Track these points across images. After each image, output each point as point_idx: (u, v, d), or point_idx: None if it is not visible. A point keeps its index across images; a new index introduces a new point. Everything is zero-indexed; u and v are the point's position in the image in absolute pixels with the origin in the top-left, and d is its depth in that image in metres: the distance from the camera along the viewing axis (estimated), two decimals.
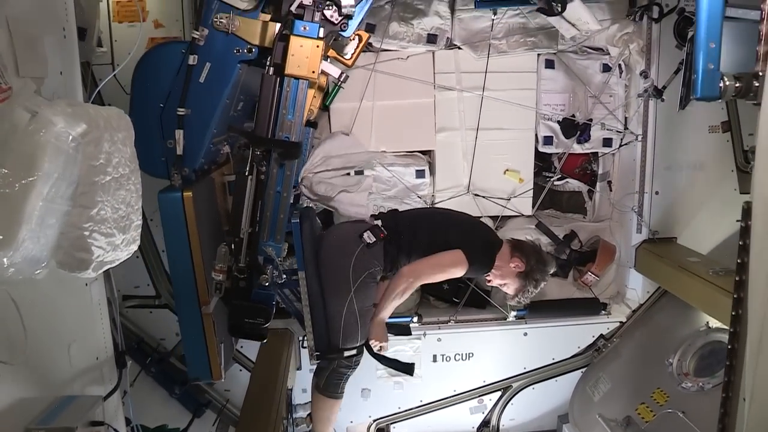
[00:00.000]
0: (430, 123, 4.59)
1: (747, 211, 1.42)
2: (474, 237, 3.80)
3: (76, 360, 2.31)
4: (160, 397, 4.40)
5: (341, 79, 3.67)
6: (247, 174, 3.13)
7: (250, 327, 3.30)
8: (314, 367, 4.58)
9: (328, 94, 4.17)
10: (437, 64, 4.53)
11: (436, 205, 4.67)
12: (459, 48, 4.54)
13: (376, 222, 3.75)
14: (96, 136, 1.97)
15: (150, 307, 4.48)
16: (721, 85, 1.53)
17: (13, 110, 1.61)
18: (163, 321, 4.50)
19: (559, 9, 3.63)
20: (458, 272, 3.69)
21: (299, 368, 4.65)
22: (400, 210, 4.13)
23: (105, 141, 2.03)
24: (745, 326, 1.43)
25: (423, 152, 4.73)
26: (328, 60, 3.47)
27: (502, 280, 3.82)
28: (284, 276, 3.43)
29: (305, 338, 3.71)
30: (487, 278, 3.84)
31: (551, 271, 3.95)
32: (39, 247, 1.77)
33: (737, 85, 1.52)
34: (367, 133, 4.52)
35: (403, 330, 4.09)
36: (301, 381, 4.66)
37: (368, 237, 3.60)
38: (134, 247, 2.33)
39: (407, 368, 3.84)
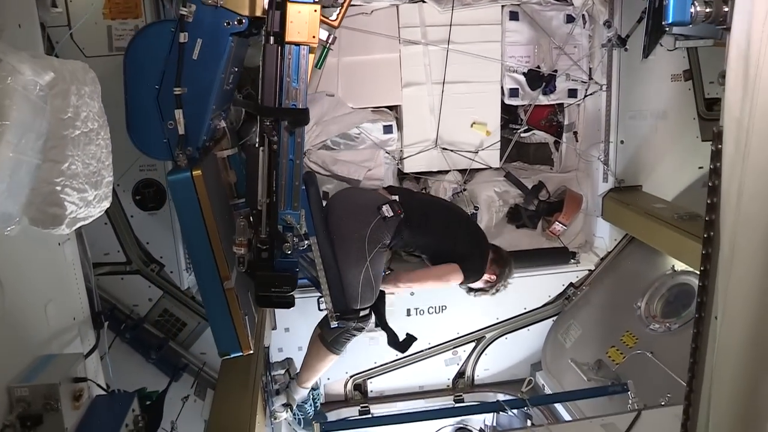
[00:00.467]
0: (396, 78, 4.57)
1: (718, 135, 1.46)
2: (476, 252, 3.93)
3: (53, 320, 2.28)
4: (137, 362, 4.37)
5: (329, 41, 3.63)
6: (258, 146, 3.09)
7: (278, 296, 3.31)
8: (289, 326, 4.67)
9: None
10: (402, 18, 4.50)
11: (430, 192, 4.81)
12: (423, 1, 4.50)
13: (394, 197, 3.81)
14: (63, 89, 1.93)
15: (121, 273, 4.41)
16: (692, 10, 1.56)
17: None
18: (135, 287, 4.44)
19: None
20: (453, 283, 3.92)
21: (274, 328, 4.68)
22: (414, 191, 4.29)
23: (72, 94, 1.99)
24: (717, 247, 1.48)
25: (390, 107, 4.73)
26: None
27: (473, 283, 4.04)
28: (306, 242, 3.42)
29: (321, 300, 3.74)
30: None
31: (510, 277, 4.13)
32: (11, 202, 1.74)
33: (707, 10, 1.55)
34: (334, 90, 4.48)
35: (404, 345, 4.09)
36: (276, 340, 4.70)
37: (387, 211, 3.67)
38: (106, 204, 2.30)
39: (403, 344, 4.00)
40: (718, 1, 1.52)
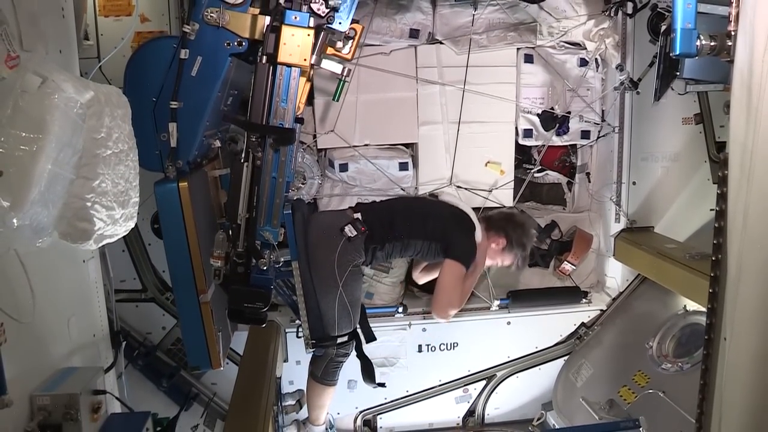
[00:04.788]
0: (413, 116, 4.66)
1: (724, 161, 1.52)
2: (455, 234, 3.79)
3: (75, 335, 2.35)
4: (148, 390, 4.39)
5: (345, 74, 3.71)
6: (243, 161, 3.17)
7: (250, 312, 3.33)
8: (301, 359, 4.68)
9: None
10: (419, 58, 4.62)
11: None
12: (441, 43, 4.62)
13: (356, 215, 3.77)
14: (98, 110, 2.03)
15: (136, 301, 4.49)
16: (698, 43, 1.64)
17: (25, 74, 1.66)
18: (149, 315, 4.51)
19: None
20: (467, 281, 3.78)
21: (286, 360, 4.69)
22: (376, 202, 4.15)
23: (106, 115, 2.10)
24: (725, 270, 1.53)
25: (406, 145, 4.81)
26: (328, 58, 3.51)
27: (493, 261, 3.95)
28: (281, 260, 3.48)
29: (300, 328, 3.77)
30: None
31: (533, 227, 4.05)
32: (45, 214, 1.82)
33: (712, 43, 1.63)
34: (351, 127, 4.59)
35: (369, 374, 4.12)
36: (287, 373, 4.71)
37: (350, 231, 3.63)
38: (131, 224, 2.39)
39: (372, 379, 4.03)
40: (722, 35, 1.60)
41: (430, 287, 4.80)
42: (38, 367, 2.07)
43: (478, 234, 3.84)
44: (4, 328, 1.80)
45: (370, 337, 4.07)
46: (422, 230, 3.77)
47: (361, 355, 4.00)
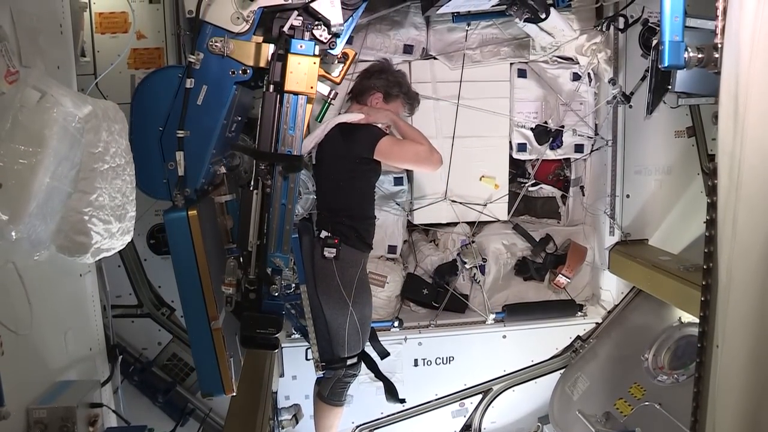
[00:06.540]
0: None
1: (714, 170, 1.55)
2: (349, 148, 3.74)
3: (72, 348, 2.35)
4: (144, 405, 4.38)
5: (331, 97, 3.74)
6: (252, 188, 3.19)
7: (262, 337, 3.32)
8: (297, 374, 4.68)
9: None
10: (413, 73, 4.65)
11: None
12: (434, 58, 4.67)
13: (321, 235, 3.73)
14: (95, 125, 2.06)
15: (132, 316, 4.47)
16: (686, 55, 1.67)
17: (24, 89, 1.68)
18: (145, 330, 4.49)
19: (544, 16, 3.83)
20: (396, 139, 3.81)
21: (282, 375, 4.69)
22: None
23: (103, 130, 2.12)
24: (716, 279, 1.55)
25: None
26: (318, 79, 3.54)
27: (386, 119, 3.87)
28: (293, 286, 3.50)
29: (309, 350, 3.77)
30: (385, 125, 3.88)
31: (390, 66, 4.07)
32: (43, 228, 1.83)
33: (700, 55, 1.66)
34: None
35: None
36: (283, 388, 4.70)
37: (329, 253, 3.63)
38: (128, 238, 2.40)
39: (396, 397, 4.10)
40: (709, 47, 1.63)
41: (427, 302, 4.85)
42: (35, 379, 2.07)
43: (353, 116, 3.80)
44: (1, 340, 1.81)
45: (384, 354, 4.11)
46: (339, 178, 3.74)
47: (380, 376, 4.01)
